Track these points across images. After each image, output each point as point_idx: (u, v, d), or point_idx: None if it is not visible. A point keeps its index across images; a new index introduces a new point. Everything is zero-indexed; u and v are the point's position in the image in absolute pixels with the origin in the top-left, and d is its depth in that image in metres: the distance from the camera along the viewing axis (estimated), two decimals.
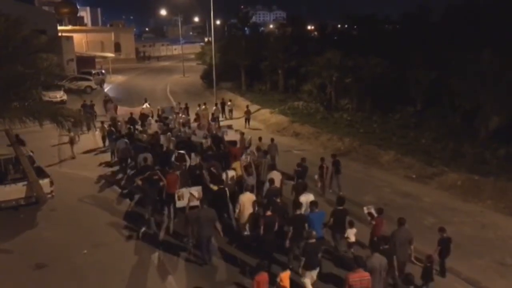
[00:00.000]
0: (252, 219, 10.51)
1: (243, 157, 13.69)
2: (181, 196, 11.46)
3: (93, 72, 41.95)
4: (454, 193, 14.49)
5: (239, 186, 12.35)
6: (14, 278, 9.56)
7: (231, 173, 12.51)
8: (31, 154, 14.21)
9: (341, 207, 10.13)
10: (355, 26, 43.67)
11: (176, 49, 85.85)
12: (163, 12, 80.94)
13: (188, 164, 13.69)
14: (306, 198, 10.44)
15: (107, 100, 27.77)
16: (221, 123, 22.37)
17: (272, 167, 13.15)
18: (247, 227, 10.66)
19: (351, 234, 10.00)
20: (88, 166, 17.37)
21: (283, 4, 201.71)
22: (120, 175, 16.17)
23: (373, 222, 9.99)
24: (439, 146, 18.24)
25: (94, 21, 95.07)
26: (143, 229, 11.57)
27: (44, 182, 12.96)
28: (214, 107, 25.62)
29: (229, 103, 28.03)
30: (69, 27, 63.69)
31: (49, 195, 13.07)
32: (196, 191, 11.35)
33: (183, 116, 22.57)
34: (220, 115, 26.24)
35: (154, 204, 11.78)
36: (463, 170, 15.51)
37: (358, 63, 25.13)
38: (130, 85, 44.64)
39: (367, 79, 24.75)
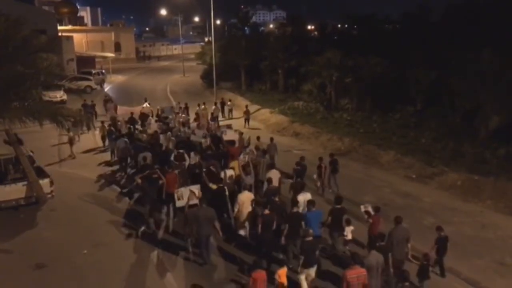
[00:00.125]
0: (251, 218, 10.56)
1: (241, 156, 13.75)
2: (180, 196, 11.49)
3: (93, 72, 41.95)
4: (454, 193, 14.49)
5: (238, 185, 12.42)
6: (14, 278, 9.57)
7: (229, 172, 12.57)
8: (31, 154, 14.20)
9: (339, 206, 10.19)
10: (355, 26, 43.63)
11: (176, 49, 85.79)
12: (163, 12, 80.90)
13: (187, 163, 13.74)
14: (304, 197, 10.49)
15: (107, 100, 27.85)
16: (221, 123, 22.39)
17: (271, 166, 13.24)
18: (247, 225, 10.73)
19: (348, 231, 10.11)
20: (88, 166, 17.37)
21: (283, 3, 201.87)
22: (120, 174, 16.22)
23: (370, 220, 10.07)
24: (439, 146, 18.24)
25: (94, 21, 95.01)
26: (143, 228, 11.65)
27: (44, 182, 12.96)
28: (214, 107, 25.64)
29: (228, 102, 28.05)
30: (69, 27, 63.64)
31: (49, 195, 13.07)
32: (195, 189, 11.40)
33: (183, 115, 22.61)
34: (220, 115, 26.29)
35: (153, 203, 11.86)
36: (463, 170, 15.50)
37: (358, 62, 25.13)
38: (130, 85, 44.63)
39: (367, 79, 24.74)
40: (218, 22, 66.46)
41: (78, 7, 77.54)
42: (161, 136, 17.07)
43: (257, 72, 36.63)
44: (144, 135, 18.30)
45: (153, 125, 19.77)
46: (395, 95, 23.92)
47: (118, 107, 26.36)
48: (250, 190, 11.41)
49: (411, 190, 14.89)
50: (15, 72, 12.59)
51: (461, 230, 11.81)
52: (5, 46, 12.19)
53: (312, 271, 8.63)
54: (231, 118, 26.64)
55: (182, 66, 54.24)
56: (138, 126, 20.55)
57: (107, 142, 19.26)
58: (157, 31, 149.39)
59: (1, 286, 9.31)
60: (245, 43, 38.38)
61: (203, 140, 16.55)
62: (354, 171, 16.84)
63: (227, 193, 11.40)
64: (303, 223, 9.48)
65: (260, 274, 7.65)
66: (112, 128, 19.10)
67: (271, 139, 16.54)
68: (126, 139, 16.45)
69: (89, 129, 21.86)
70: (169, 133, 17.32)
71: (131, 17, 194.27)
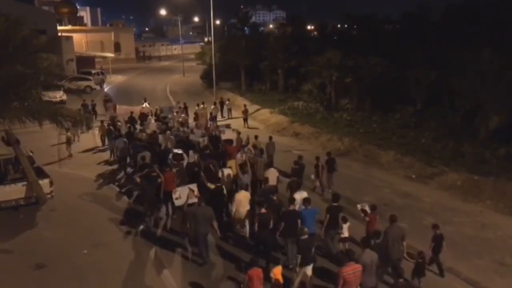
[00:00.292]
0: (249, 217, 10.70)
1: (239, 155, 13.83)
2: (178, 195, 11.57)
3: (93, 72, 41.97)
4: (454, 193, 14.49)
5: (236, 184, 12.53)
6: (14, 278, 9.56)
7: (227, 171, 12.65)
8: (31, 154, 14.20)
9: (336, 204, 10.25)
10: (355, 26, 43.71)
11: (176, 49, 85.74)
12: (163, 12, 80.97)
13: (185, 161, 13.84)
14: (300, 195, 10.58)
15: (107, 100, 27.90)
16: (220, 123, 22.43)
17: (269, 165, 13.27)
18: (247, 224, 10.83)
19: (345, 229, 10.18)
20: (87, 166, 17.38)
21: (283, 3, 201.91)
22: (119, 174, 16.27)
23: (367, 219, 10.17)
24: (439, 146, 18.24)
25: (94, 21, 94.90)
26: (141, 226, 11.74)
27: (44, 182, 12.95)
28: (213, 106, 25.67)
29: (227, 102, 28.05)
30: (69, 27, 63.62)
31: (49, 195, 13.06)
32: (194, 187, 11.49)
33: (182, 115, 22.67)
34: (219, 114, 26.32)
35: (152, 201, 11.96)
36: (463, 170, 15.50)
37: (358, 62, 25.13)
38: (130, 85, 44.61)
39: (367, 79, 24.74)
40: (218, 22, 66.51)
41: (78, 7, 77.48)
42: (160, 136, 17.16)
43: (257, 72, 36.62)
44: (144, 134, 18.36)
45: (152, 125, 19.83)
46: (395, 95, 23.92)
47: (118, 106, 26.45)
48: (246, 189, 11.49)
49: (411, 190, 14.88)
50: (15, 72, 12.57)
51: (461, 230, 11.81)
52: (5, 46, 12.18)
53: (308, 269, 8.72)
54: (230, 118, 26.66)
55: (182, 66, 54.24)
56: (138, 126, 20.59)
57: (106, 142, 19.31)
58: (157, 31, 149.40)
59: (1, 286, 9.30)
60: (245, 43, 38.38)
61: (200, 140, 16.66)
62: (354, 171, 16.84)
63: (225, 192, 11.50)
64: (299, 221, 9.59)
65: (256, 272, 7.77)
66: (112, 128, 19.16)
67: (270, 138, 16.62)
68: (125, 139, 16.53)
69: (89, 129, 21.98)
70: (168, 132, 17.41)
71: (131, 17, 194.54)
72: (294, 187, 11.34)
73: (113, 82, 46.89)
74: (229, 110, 27.51)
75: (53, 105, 19.02)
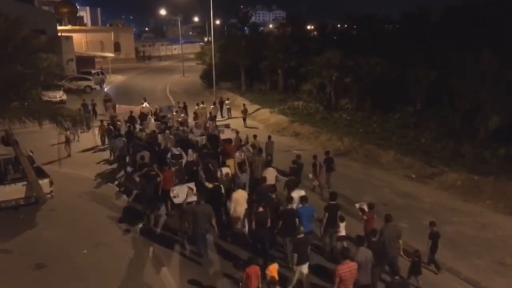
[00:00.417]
0: (247, 215, 10.80)
1: (237, 154, 13.88)
2: (176, 194, 11.66)
3: (93, 72, 41.96)
4: (454, 193, 14.49)
5: (234, 183, 12.58)
6: (14, 278, 9.56)
7: (225, 170, 12.74)
8: (31, 154, 14.20)
9: (333, 202, 10.31)
10: (355, 26, 43.69)
11: (175, 49, 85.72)
12: (163, 12, 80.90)
13: (184, 160, 13.92)
14: (298, 193, 10.67)
15: (106, 100, 27.95)
16: (220, 122, 22.46)
17: (267, 164, 13.32)
18: (245, 222, 10.92)
19: (341, 228, 10.25)
20: (87, 165, 17.40)
21: (283, 3, 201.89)
22: (119, 173, 16.32)
23: (365, 217, 10.27)
24: (439, 146, 18.24)
25: (93, 21, 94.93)
26: (140, 225, 11.83)
27: (44, 182, 12.95)
28: (212, 106, 25.69)
29: (227, 101, 28.06)
30: (69, 27, 63.61)
31: (49, 195, 13.06)
32: (192, 186, 11.59)
33: (182, 115, 22.71)
34: (219, 114, 26.33)
35: (151, 200, 12.06)
36: (463, 170, 15.51)
37: (358, 62, 25.13)
38: (130, 85, 44.59)
39: (367, 79, 24.74)
40: (217, 22, 66.38)
41: (78, 7, 77.49)
42: (159, 136, 17.23)
43: (257, 72, 36.61)
44: (143, 133, 18.41)
45: (151, 124, 19.88)
46: (395, 95, 23.91)
47: (118, 106, 26.47)
48: (244, 188, 11.56)
49: (411, 190, 14.88)
50: (15, 72, 12.57)
51: (461, 230, 11.81)
52: (5, 46, 12.18)
53: (304, 268, 8.80)
54: (230, 118, 26.67)
55: (181, 66, 54.23)
56: (138, 125, 20.63)
57: (106, 141, 19.36)
58: (157, 31, 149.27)
59: (1, 286, 9.30)
60: (245, 43, 38.37)
61: (199, 139, 16.74)
62: (354, 171, 16.84)
63: (223, 191, 11.58)
64: (297, 219, 9.66)
65: (254, 269, 7.89)
66: (111, 127, 19.19)
67: (269, 137, 16.70)
68: (124, 139, 16.60)
69: (89, 128, 22.00)
70: (167, 131, 17.46)
71: (131, 17, 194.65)
72: (292, 185, 11.44)
73: (113, 82, 46.87)
74: (229, 109, 27.51)
75: (53, 105, 19.00)
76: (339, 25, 62.78)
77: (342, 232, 10.28)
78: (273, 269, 8.26)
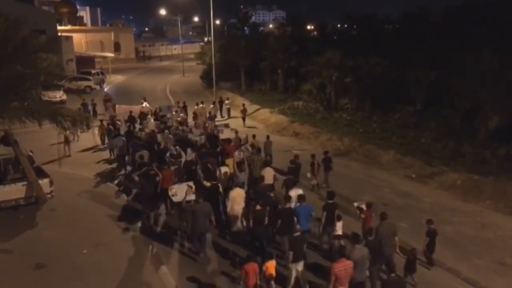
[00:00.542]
0: (245, 213, 10.83)
1: (236, 153, 13.96)
2: (174, 192, 11.72)
3: (93, 72, 41.95)
4: (454, 193, 14.50)
5: (233, 182, 12.69)
6: (14, 278, 9.56)
7: (224, 169, 12.84)
8: (31, 154, 14.20)
9: (331, 201, 10.34)
10: (355, 26, 43.67)
11: (175, 49, 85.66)
12: (163, 12, 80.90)
13: (183, 159, 13.96)
14: (296, 192, 10.71)
15: (106, 100, 27.99)
16: (219, 122, 22.50)
17: (266, 163, 13.36)
18: (243, 221, 10.95)
19: (338, 227, 10.29)
20: (87, 165, 17.42)
21: (283, 3, 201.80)
22: (118, 172, 16.36)
23: (363, 216, 10.31)
24: (439, 146, 18.24)
25: (93, 21, 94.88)
26: (139, 224, 11.88)
27: (44, 182, 12.95)
28: (212, 106, 25.71)
29: (226, 101, 28.06)
30: (69, 27, 63.60)
31: (49, 195, 13.06)
32: (191, 184, 11.64)
33: (181, 114, 22.74)
34: (218, 114, 26.34)
35: (150, 199, 12.11)
36: (463, 170, 15.51)
37: (358, 62, 25.13)
38: (130, 85, 44.58)
39: (367, 79, 24.73)
40: (217, 22, 66.35)
41: (78, 7, 77.50)
42: (159, 135, 17.30)
43: (257, 72, 36.61)
44: (143, 133, 18.44)
45: (151, 124, 19.91)
46: (395, 95, 23.91)
47: (117, 106, 26.49)
48: (242, 187, 11.63)
49: (411, 190, 14.88)
50: (15, 72, 12.57)
51: (461, 230, 11.81)
52: (5, 46, 12.18)
53: (300, 266, 8.85)
54: (230, 117, 26.66)
55: (181, 66, 54.22)
56: (137, 125, 20.67)
57: (106, 141, 19.41)
58: (157, 31, 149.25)
59: (1, 286, 9.30)
60: (245, 43, 38.37)
61: (198, 138, 16.81)
62: (354, 171, 16.84)
63: (221, 189, 11.65)
64: (295, 218, 9.69)
65: (252, 267, 7.97)
66: (111, 127, 19.23)
67: (267, 136, 16.78)
68: (124, 138, 16.66)
69: (89, 128, 22.02)
70: (166, 131, 17.51)
71: (131, 17, 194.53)
72: (290, 184, 11.52)
73: (113, 82, 46.86)
74: (228, 109, 27.52)
75: (53, 105, 19.00)
76: (339, 25, 62.78)
77: (339, 231, 10.32)
78: (270, 266, 8.34)
